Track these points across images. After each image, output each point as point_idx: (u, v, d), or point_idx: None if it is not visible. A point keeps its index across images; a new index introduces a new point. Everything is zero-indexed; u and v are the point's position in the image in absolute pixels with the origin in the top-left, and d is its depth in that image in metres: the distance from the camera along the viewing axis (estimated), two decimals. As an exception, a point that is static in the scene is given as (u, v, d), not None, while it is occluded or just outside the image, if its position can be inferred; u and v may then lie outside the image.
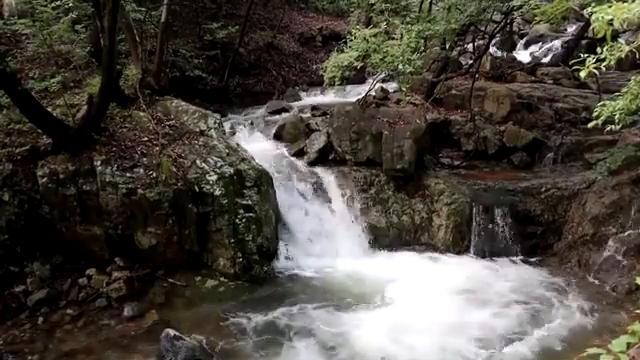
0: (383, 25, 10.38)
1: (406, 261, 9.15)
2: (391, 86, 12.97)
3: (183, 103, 10.34)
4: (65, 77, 9.34)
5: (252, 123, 12.50)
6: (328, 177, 10.35)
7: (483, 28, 12.15)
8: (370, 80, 12.45)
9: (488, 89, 11.91)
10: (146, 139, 8.99)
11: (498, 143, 10.99)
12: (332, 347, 6.83)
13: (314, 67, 16.07)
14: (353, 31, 10.04)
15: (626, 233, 8.29)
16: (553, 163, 10.69)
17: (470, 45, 13.25)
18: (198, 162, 8.81)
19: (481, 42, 13.27)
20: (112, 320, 7.48)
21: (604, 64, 3.63)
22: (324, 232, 9.56)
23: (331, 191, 10.12)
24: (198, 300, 7.97)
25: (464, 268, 8.83)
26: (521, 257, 9.25)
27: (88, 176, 8.30)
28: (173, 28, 13.44)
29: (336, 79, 9.66)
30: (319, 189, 10.15)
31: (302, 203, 9.88)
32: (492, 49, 15.05)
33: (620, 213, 8.52)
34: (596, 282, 8.24)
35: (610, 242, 8.32)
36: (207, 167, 8.78)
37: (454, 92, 12.28)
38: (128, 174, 8.32)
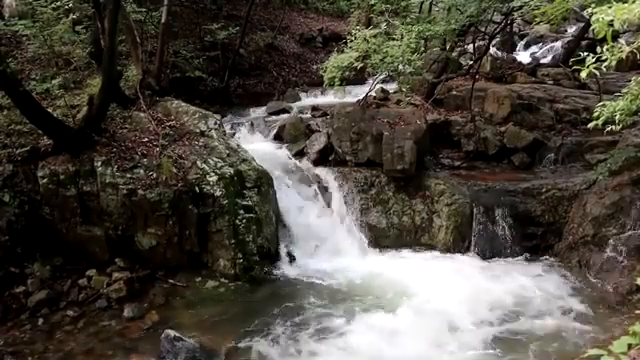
0: (383, 26, 10.38)
1: (407, 262, 9.14)
2: (391, 87, 12.96)
3: (183, 104, 10.36)
4: (66, 78, 9.36)
5: (252, 124, 12.51)
6: (328, 178, 10.35)
7: (483, 29, 12.15)
8: (370, 81, 12.43)
9: (488, 90, 11.90)
10: (146, 140, 9.00)
11: (498, 144, 10.98)
12: (332, 348, 6.81)
13: (314, 68, 16.08)
14: (353, 32, 10.03)
15: (627, 234, 8.26)
16: (553, 164, 10.68)
17: (470, 46, 13.25)
18: (198, 163, 8.81)
19: (481, 43, 13.28)
20: (112, 321, 7.46)
21: (604, 64, 3.63)
22: (324, 233, 9.55)
23: (331, 192, 10.13)
24: (198, 301, 7.96)
25: (465, 269, 8.81)
26: (522, 258, 9.23)
27: (88, 177, 8.32)
28: (173, 29, 13.45)
29: (336, 80, 9.63)
30: (319, 190, 10.16)
31: (302, 204, 9.88)
32: (492, 50, 15.05)
33: (621, 214, 8.51)
34: (597, 283, 8.22)
35: (611, 243, 8.30)
36: (207, 168, 8.78)
37: (454, 93, 12.27)
38: (128, 175, 8.33)
